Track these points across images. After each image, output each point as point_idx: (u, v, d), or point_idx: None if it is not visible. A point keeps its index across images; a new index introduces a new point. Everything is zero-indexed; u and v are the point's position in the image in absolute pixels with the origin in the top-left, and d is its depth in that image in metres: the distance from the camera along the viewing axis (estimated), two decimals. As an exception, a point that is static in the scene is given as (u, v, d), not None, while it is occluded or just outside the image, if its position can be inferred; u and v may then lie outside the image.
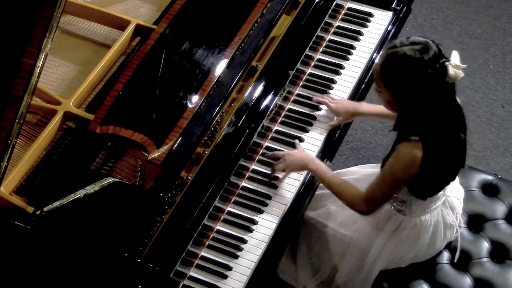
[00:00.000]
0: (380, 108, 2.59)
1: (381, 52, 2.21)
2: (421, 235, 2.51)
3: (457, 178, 2.62)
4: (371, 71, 2.78)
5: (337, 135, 2.65)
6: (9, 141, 2.10)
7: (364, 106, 2.66)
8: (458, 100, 2.31)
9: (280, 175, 2.48)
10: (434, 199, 2.47)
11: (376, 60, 2.20)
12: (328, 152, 2.61)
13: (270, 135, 2.59)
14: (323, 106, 2.66)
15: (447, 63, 2.12)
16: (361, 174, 2.71)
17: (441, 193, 2.47)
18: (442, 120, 2.22)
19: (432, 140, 2.22)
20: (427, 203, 2.46)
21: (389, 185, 2.32)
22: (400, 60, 2.13)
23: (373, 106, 2.66)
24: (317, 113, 2.65)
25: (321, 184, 2.63)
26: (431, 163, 2.23)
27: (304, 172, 2.51)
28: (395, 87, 2.19)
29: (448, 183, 2.44)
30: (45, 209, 2.19)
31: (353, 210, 2.41)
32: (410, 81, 2.14)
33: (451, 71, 2.11)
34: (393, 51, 2.16)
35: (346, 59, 2.79)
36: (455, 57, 2.15)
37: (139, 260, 2.14)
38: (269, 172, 2.50)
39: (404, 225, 2.51)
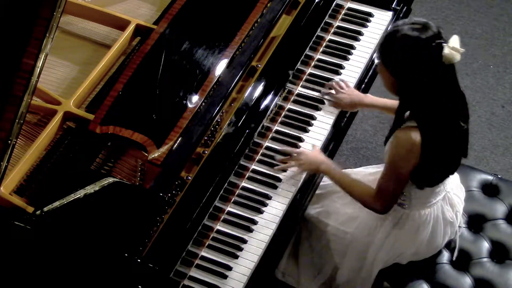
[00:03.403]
0: (385, 102, 2.60)
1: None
2: (421, 230, 2.52)
3: (458, 176, 2.62)
4: (371, 70, 2.78)
5: (337, 135, 2.65)
6: (9, 141, 2.10)
7: (369, 98, 2.67)
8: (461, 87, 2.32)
9: (281, 175, 2.48)
10: (434, 193, 2.46)
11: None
12: (327, 152, 2.61)
13: (270, 135, 2.59)
14: (323, 106, 2.66)
15: (444, 44, 2.14)
16: (363, 174, 2.71)
17: (441, 187, 2.47)
18: (440, 104, 2.22)
19: (429, 125, 2.22)
20: (427, 197, 2.46)
21: (395, 177, 2.31)
22: (398, 38, 2.16)
23: (377, 99, 2.67)
24: (317, 113, 2.66)
25: (321, 184, 2.64)
26: (430, 148, 2.23)
27: (304, 172, 2.51)
28: (392, 65, 2.21)
29: (450, 173, 2.44)
30: (45, 209, 2.19)
31: (368, 209, 2.42)
32: (406, 59, 2.17)
33: (447, 50, 2.13)
34: (393, 29, 2.19)
35: (346, 59, 2.79)
36: (454, 41, 2.17)
37: (139, 260, 2.14)
38: (269, 172, 2.50)
39: (404, 219, 2.51)
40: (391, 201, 2.38)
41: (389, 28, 2.23)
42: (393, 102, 2.59)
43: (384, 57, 2.22)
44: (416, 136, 2.22)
